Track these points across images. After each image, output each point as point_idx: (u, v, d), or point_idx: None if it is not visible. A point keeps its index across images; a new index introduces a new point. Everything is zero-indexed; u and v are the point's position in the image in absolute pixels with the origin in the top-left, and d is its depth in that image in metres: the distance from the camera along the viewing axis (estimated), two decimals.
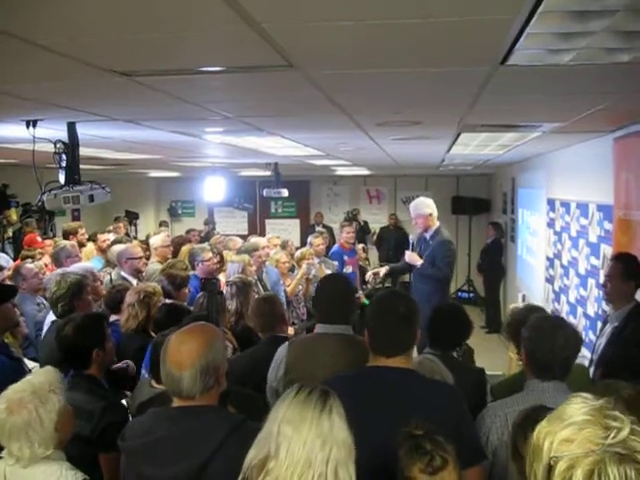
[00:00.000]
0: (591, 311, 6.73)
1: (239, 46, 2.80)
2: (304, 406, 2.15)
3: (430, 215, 7.48)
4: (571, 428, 1.53)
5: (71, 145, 4.79)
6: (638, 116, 5.12)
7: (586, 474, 1.45)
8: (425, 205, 7.56)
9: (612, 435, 1.47)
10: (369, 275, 8.25)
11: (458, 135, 6.53)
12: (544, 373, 3.16)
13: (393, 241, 15.82)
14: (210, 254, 7.33)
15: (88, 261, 8.06)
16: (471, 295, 15.58)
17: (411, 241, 7.75)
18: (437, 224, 7.53)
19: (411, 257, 7.49)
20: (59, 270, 6.07)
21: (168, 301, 5.49)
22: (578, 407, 1.57)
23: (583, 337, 6.75)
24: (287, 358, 3.77)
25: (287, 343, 3.95)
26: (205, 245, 8.26)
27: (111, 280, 6.55)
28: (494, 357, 8.59)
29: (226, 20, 2.31)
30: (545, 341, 3.15)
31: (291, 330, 6.81)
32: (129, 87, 3.62)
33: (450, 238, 7.64)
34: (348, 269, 9.23)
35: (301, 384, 2.25)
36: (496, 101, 4.32)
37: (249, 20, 2.32)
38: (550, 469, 1.53)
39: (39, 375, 2.97)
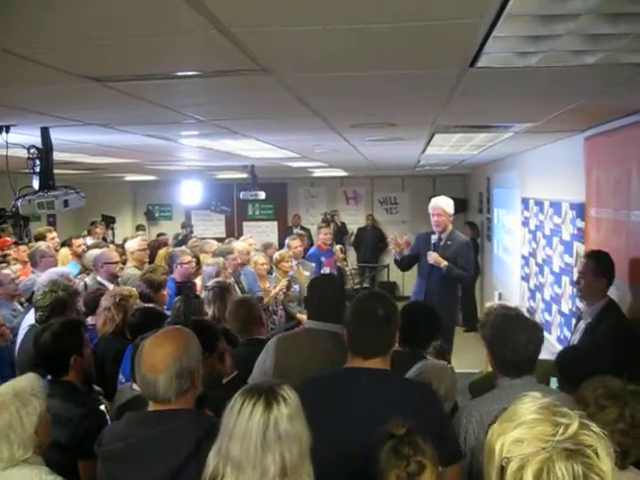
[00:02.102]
0: (565, 308, 6.79)
1: (210, 51, 2.81)
2: (250, 420, 2.16)
3: (451, 216, 7.45)
4: (521, 428, 1.54)
5: (45, 150, 4.75)
6: (607, 116, 5.20)
7: (535, 472, 1.46)
8: (448, 204, 7.46)
9: (561, 431, 1.49)
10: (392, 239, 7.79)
11: (432, 136, 6.58)
12: (512, 371, 3.19)
13: (370, 241, 15.87)
14: (189, 257, 7.33)
15: (63, 266, 8.01)
16: None
17: (433, 242, 7.38)
18: (451, 226, 7.49)
19: (436, 259, 7.19)
20: (44, 277, 5.98)
21: (147, 305, 5.49)
22: (527, 406, 1.58)
23: (558, 333, 6.89)
24: (276, 352, 3.79)
25: (276, 337, 3.97)
26: (184, 248, 8.26)
27: (86, 286, 6.51)
28: (472, 355, 8.63)
29: (195, 25, 2.32)
30: (508, 340, 3.17)
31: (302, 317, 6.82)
32: (102, 92, 3.62)
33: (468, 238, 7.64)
34: (326, 270, 9.24)
35: (246, 392, 2.25)
36: (468, 102, 4.36)
37: (218, 25, 2.33)
38: (502, 470, 1.54)
39: (21, 379, 2.98)
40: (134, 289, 5.41)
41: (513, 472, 1.50)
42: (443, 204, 7.46)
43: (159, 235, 12.34)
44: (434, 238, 7.38)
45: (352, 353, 3.00)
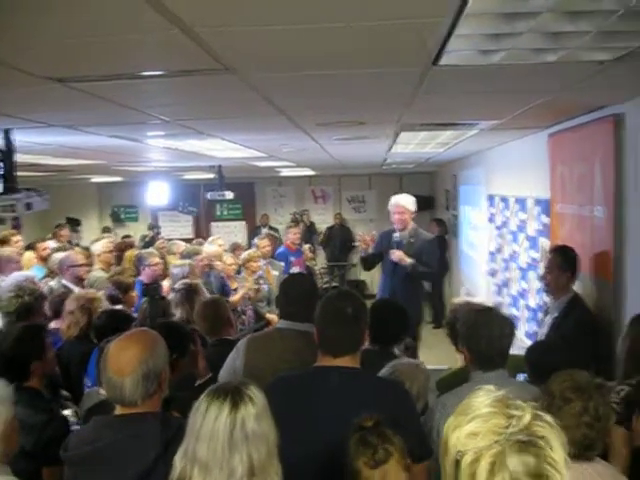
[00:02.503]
0: (532, 303, 6.87)
1: (173, 51, 2.79)
2: (216, 421, 2.15)
3: (413, 213, 7.39)
4: (475, 421, 1.55)
5: (7, 152, 4.69)
6: (570, 112, 5.26)
7: (489, 466, 1.47)
8: (410, 202, 7.40)
9: (514, 423, 1.50)
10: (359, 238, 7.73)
11: (398, 134, 6.60)
12: (486, 364, 3.25)
13: (339, 240, 15.91)
14: (157, 259, 7.29)
15: (28, 270, 7.91)
16: None
17: (395, 239, 7.27)
18: (413, 223, 7.42)
19: (400, 257, 7.11)
20: (9, 281, 5.90)
21: (113, 307, 5.45)
22: (482, 400, 1.59)
23: (526, 328, 6.96)
24: (246, 352, 3.77)
25: (246, 338, 3.96)
26: (152, 250, 8.21)
27: (51, 290, 6.44)
28: (441, 351, 8.65)
29: (157, 25, 2.31)
30: (482, 335, 3.24)
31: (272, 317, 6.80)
32: (65, 93, 3.58)
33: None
34: (295, 270, 9.23)
35: (212, 393, 2.24)
36: (432, 100, 4.39)
37: (180, 24, 2.32)
38: (457, 464, 1.54)
39: None
40: (98, 292, 5.36)
41: (467, 465, 1.51)
42: (404, 202, 7.40)
43: (124, 237, 12.24)
44: (396, 236, 7.29)
45: (322, 352, 3.00)
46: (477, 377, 3.27)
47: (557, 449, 1.49)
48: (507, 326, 3.33)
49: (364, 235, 7.67)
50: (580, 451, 2.57)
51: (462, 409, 1.62)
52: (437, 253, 7.39)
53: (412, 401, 3.03)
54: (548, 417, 1.54)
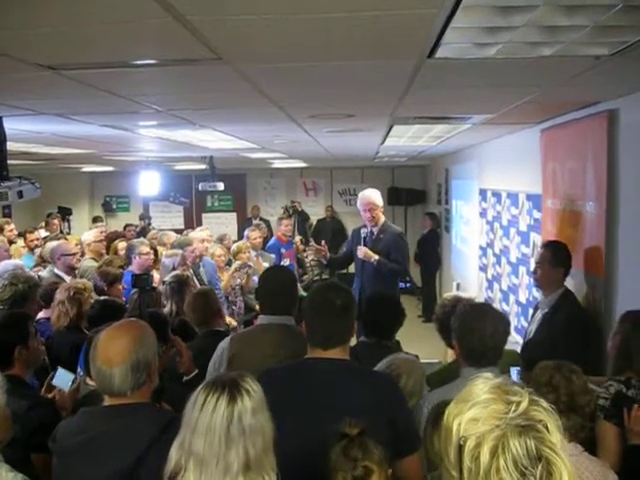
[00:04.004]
0: (523, 298, 6.88)
1: (166, 39, 2.77)
2: (213, 414, 2.13)
3: (382, 207, 7.17)
4: (476, 408, 1.61)
5: None
6: (563, 108, 5.25)
7: (491, 449, 1.53)
8: (377, 196, 7.15)
9: (513, 409, 1.57)
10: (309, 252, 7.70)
11: (391, 127, 6.59)
12: (478, 361, 3.22)
13: (330, 233, 15.89)
14: (147, 248, 7.26)
15: (18, 258, 7.88)
16: (408, 285, 15.74)
17: (363, 235, 7.07)
18: (384, 218, 7.21)
19: (366, 253, 6.92)
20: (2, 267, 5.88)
21: (107, 297, 5.43)
22: (481, 387, 1.66)
23: (515, 323, 6.97)
24: (229, 352, 3.77)
25: (229, 337, 3.95)
26: (142, 239, 8.18)
27: (40, 279, 6.41)
28: (431, 345, 8.66)
29: (150, 13, 2.28)
30: (475, 331, 3.21)
31: (230, 320, 6.79)
32: (56, 81, 3.55)
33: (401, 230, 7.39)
34: (285, 262, 9.23)
35: (210, 386, 2.22)
36: (426, 93, 4.37)
37: (173, 12, 2.30)
38: (460, 449, 1.60)
39: None
40: (88, 283, 5.33)
41: (470, 450, 1.57)
42: (373, 197, 7.14)
43: (125, 227, 12.29)
44: (363, 232, 7.10)
45: (312, 344, 3.00)
46: (468, 373, 3.22)
47: (554, 432, 1.57)
48: (501, 323, 3.30)
49: (314, 246, 7.56)
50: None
51: (462, 397, 1.68)
52: (405, 247, 7.15)
53: (400, 391, 3.03)
54: (544, 402, 1.61)
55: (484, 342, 3.20)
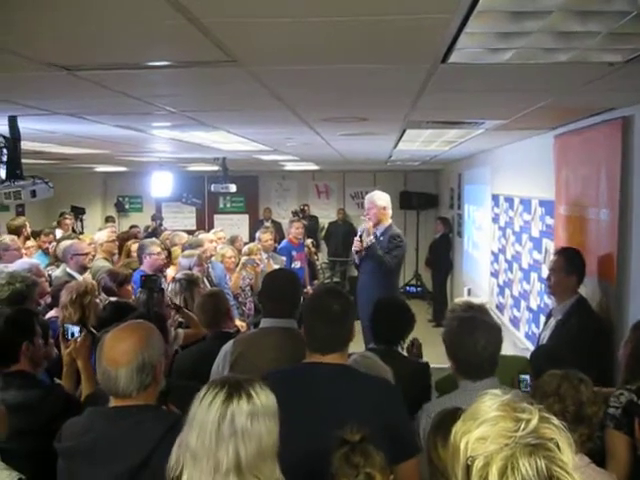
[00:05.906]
0: (534, 304, 6.85)
1: (180, 41, 2.79)
2: (208, 410, 2.12)
3: (384, 209, 7.16)
4: (484, 426, 1.55)
5: (12, 139, 4.69)
6: (577, 114, 5.23)
7: (500, 470, 1.47)
8: (379, 197, 7.22)
9: (522, 427, 1.50)
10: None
11: (404, 131, 6.58)
12: (474, 374, 3.20)
13: (341, 236, 15.89)
14: (159, 248, 7.26)
15: (31, 256, 7.91)
16: (419, 289, 15.74)
17: (359, 232, 7.25)
18: (390, 222, 7.22)
19: (356, 244, 7.16)
20: (15, 267, 5.90)
21: (112, 299, 5.43)
22: (489, 404, 1.59)
23: (526, 329, 6.94)
24: (231, 355, 3.77)
25: (232, 340, 3.95)
26: (154, 239, 8.19)
27: (51, 278, 6.43)
28: (441, 350, 8.64)
29: (165, 15, 2.29)
30: (467, 345, 3.19)
31: (241, 324, 6.79)
32: (70, 81, 3.56)
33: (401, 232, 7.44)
34: (296, 264, 9.23)
35: (213, 383, 2.21)
36: (439, 98, 4.37)
37: (188, 15, 2.31)
38: (468, 469, 1.54)
39: None
40: (93, 283, 5.31)
41: (478, 470, 1.51)
42: (374, 197, 7.27)
43: (131, 227, 12.27)
44: (361, 228, 7.33)
45: (310, 349, 3.00)
46: (466, 385, 3.23)
47: (565, 451, 1.50)
48: (492, 333, 3.26)
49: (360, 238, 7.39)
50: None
51: (470, 414, 1.62)
52: (397, 247, 7.08)
53: (399, 397, 3.01)
54: (555, 419, 1.55)
55: (478, 356, 3.17)
